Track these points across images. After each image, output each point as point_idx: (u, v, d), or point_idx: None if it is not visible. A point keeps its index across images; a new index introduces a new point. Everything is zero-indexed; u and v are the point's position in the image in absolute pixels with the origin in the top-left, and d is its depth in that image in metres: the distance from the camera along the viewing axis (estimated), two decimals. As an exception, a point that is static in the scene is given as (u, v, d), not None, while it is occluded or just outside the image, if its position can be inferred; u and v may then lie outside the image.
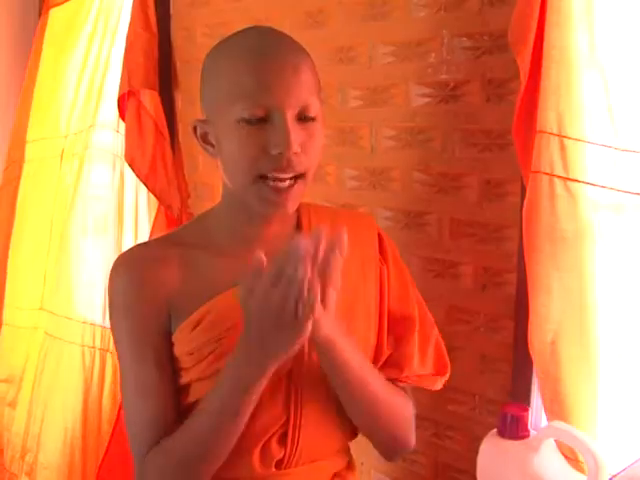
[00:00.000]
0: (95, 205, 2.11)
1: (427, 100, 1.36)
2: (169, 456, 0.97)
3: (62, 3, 2.23)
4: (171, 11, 2.01)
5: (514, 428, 1.05)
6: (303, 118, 0.95)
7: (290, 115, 0.93)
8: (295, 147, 0.93)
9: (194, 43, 1.93)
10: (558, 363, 1.09)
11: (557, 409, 1.10)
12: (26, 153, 2.29)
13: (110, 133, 2.08)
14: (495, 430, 1.08)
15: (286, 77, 0.93)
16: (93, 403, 2.01)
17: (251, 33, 0.99)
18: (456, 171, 1.33)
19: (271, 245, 1.04)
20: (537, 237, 1.08)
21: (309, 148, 0.96)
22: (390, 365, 1.09)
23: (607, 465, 0.98)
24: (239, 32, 1.00)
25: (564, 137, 1.05)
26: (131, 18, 1.98)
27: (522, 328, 1.17)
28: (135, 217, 2.09)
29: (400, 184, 1.43)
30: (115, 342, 1.05)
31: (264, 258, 0.85)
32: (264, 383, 0.92)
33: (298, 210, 1.10)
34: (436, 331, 1.14)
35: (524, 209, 1.10)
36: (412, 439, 1.12)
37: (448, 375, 1.13)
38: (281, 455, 1.02)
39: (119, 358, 1.04)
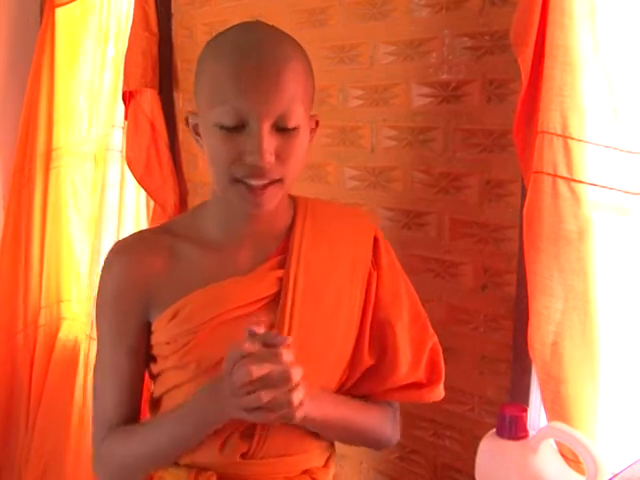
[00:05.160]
0: (110, 204, 2.18)
1: (428, 100, 1.36)
2: (116, 453, 1.04)
3: (68, 3, 2.24)
4: (172, 10, 2.01)
5: (513, 428, 1.05)
6: (282, 128, 0.94)
7: (266, 124, 0.92)
8: (268, 157, 0.92)
9: (195, 42, 1.93)
10: (560, 364, 1.09)
11: (558, 410, 1.10)
12: (52, 159, 2.37)
13: (121, 132, 2.10)
14: (494, 430, 1.08)
15: (264, 85, 0.91)
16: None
17: (241, 31, 0.97)
18: (456, 171, 1.33)
19: (260, 242, 1.06)
20: (539, 238, 1.08)
21: (286, 156, 0.95)
22: (372, 375, 1.08)
23: (606, 466, 0.97)
24: (232, 28, 1.00)
25: (568, 138, 1.04)
26: (133, 18, 1.99)
27: (522, 329, 1.17)
28: (137, 214, 2.11)
29: (400, 184, 1.43)
30: (96, 324, 1.09)
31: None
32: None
33: (295, 205, 1.10)
34: (435, 339, 1.13)
35: (525, 209, 1.10)
36: (394, 439, 1.16)
37: (440, 386, 1.11)
38: (245, 449, 1.03)
39: (97, 339, 1.08)
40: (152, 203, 2.05)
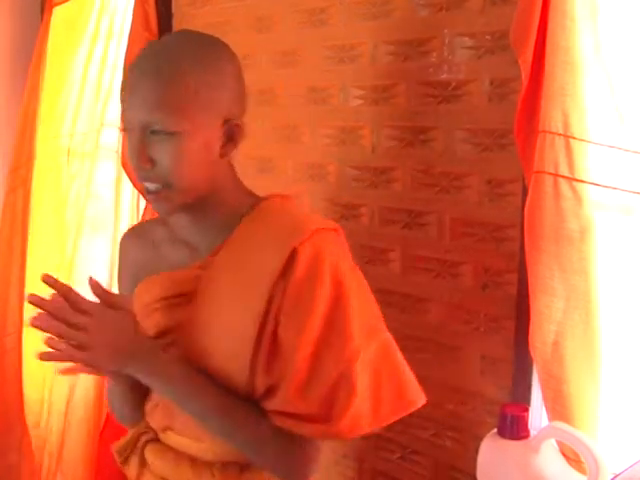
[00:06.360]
0: (102, 203, 2.18)
1: (428, 100, 1.36)
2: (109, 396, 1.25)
3: (65, 2, 2.24)
4: (172, 10, 2.01)
5: (514, 428, 1.05)
6: (155, 132, 1.00)
7: (138, 129, 1.00)
8: (142, 161, 1.00)
9: (195, 42, 1.92)
10: (561, 363, 1.09)
11: (559, 409, 1.09)
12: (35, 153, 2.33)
13: (116, 131, 2.10)
14: (495, 430, 1.08)
15: (136, 93, 1.01)
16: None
17: (155, 41, 1.12)
18: (457, 171, 1.33)
19: (204, 238, 1.10)
20: (540, 237, 1.08)
21: (168, 162, 1.00)
22: (266, 393, 1.02)
23: (607, 466, 0.98)
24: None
25: (570, 137, 1.04)
26: (132, 17, 1.99)
27: (523, 328, 1.17)
28: (133, 214, 2.11)
29: (401, 184, 1.43)
30: None
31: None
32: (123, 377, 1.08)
33: (252, 206, 1.10)
34: (347, 373, 0.98)
35: (526, 209, 1.10)
36: (278, 470, 1.05)
37: (340, 424, 0.96)
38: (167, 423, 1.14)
39: None
40: (143, 203, 2.04)
